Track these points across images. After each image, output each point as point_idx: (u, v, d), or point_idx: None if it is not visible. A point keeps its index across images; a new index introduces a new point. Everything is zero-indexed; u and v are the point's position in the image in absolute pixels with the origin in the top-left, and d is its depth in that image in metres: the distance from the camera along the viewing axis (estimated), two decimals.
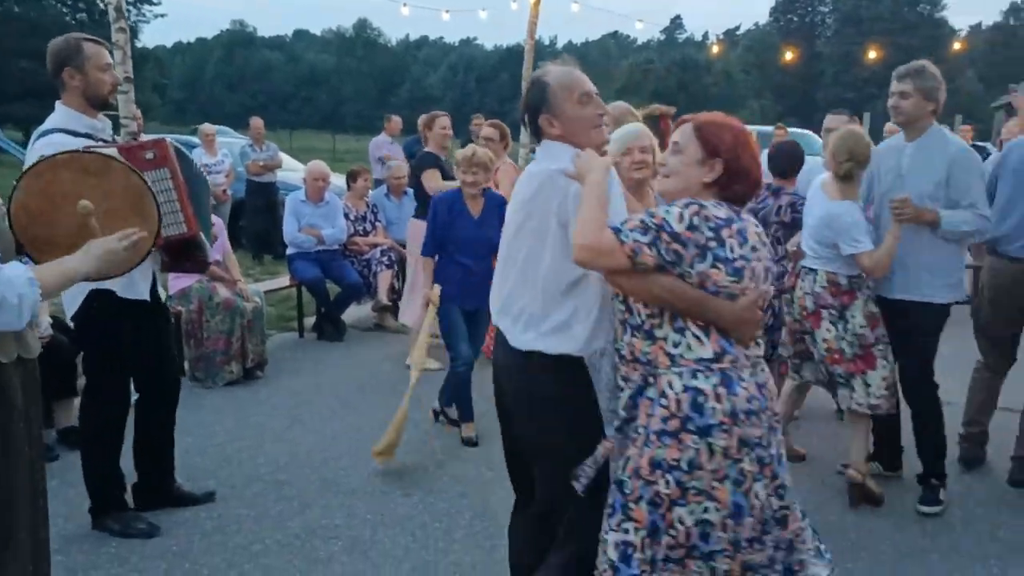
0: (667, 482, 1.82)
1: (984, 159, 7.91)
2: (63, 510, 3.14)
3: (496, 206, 3.89)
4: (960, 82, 46.32)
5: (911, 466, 3.58)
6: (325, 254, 5.85)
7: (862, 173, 3.34)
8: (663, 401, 1.83)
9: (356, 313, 6.38)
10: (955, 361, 4.96)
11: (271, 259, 8.80)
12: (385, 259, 5.97)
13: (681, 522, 1.83)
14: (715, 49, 38.12)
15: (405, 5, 13.17)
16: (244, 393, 4.70)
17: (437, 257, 4.03)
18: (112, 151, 2.54)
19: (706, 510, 1.82)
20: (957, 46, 29.90)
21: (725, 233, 1.82)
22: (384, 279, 5.89)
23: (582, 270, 1.93)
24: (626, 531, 1.88)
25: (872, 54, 27.19)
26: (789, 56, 29.96)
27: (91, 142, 2.73)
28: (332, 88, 60.42)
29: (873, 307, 3.35)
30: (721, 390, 1.81)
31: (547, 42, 69.21)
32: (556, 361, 2.01)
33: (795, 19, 56.55)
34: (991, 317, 3.75)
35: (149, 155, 2.76)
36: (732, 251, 1.82)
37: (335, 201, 6.01)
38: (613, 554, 1.89)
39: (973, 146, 9.48)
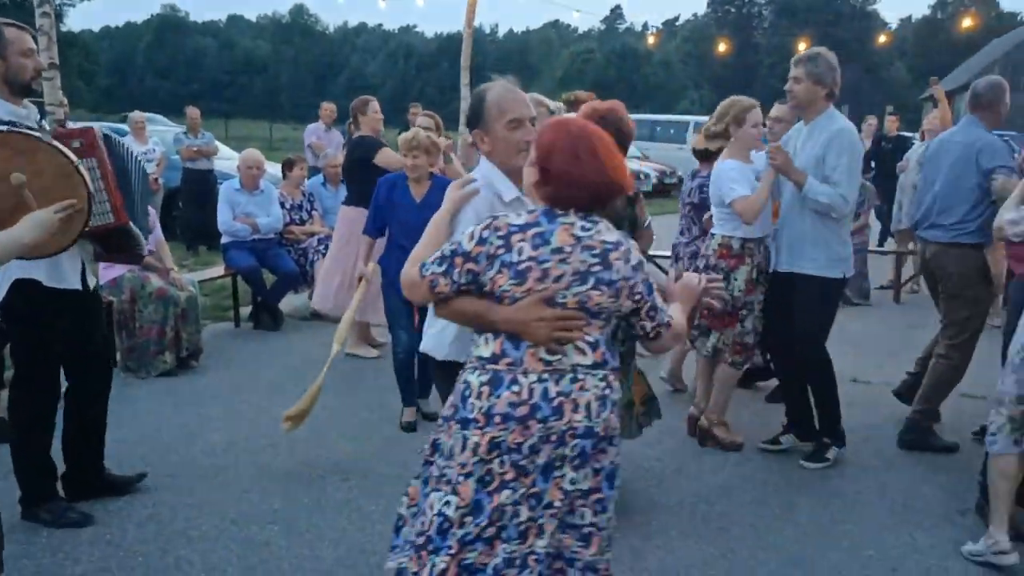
0: (436, 465, 1.92)
1: (908, 149, 8.37)
2: None
3: (442, 191, 3.93)
4: (891, 73, 48.23)
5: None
6: (261, 243, 5.82)
7: (734, 133, 3.65)
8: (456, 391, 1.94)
9: (293, 302, 6.36)
10: (876, 343, 5.29)
11: (206, 250, 8.66)
12: (322, 248, 5.96)
13: (431, 508, 1.88)
14: (651, 40, 38.75)
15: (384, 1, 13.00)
16: (179, 383, 4.67)
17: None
18: (37, 133, 2.52)
19: (447, 503, 1.85)
20: (883, 39, 31.14)
21: (516, 238, 1.82)
22: (321, 268, 5.89)
23: None
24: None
25: (802, 46, 28.03)
26: (722, 48, 30.75)
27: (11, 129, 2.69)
28: (268, 76, 59.09)
29: (756, 274, 3.63)
30: (485, 388, 1.84)
31: (488, 30, 69.09)
32: (439, 364, 2.18)
33: (732, 10, 57.75)
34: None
35: (76, 144, 2.74)
36: (520, 254, 1.81)
37: (270, 190, 5.98)
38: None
39: (899, 136, 9.98)
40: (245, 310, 6.05)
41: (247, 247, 5.77)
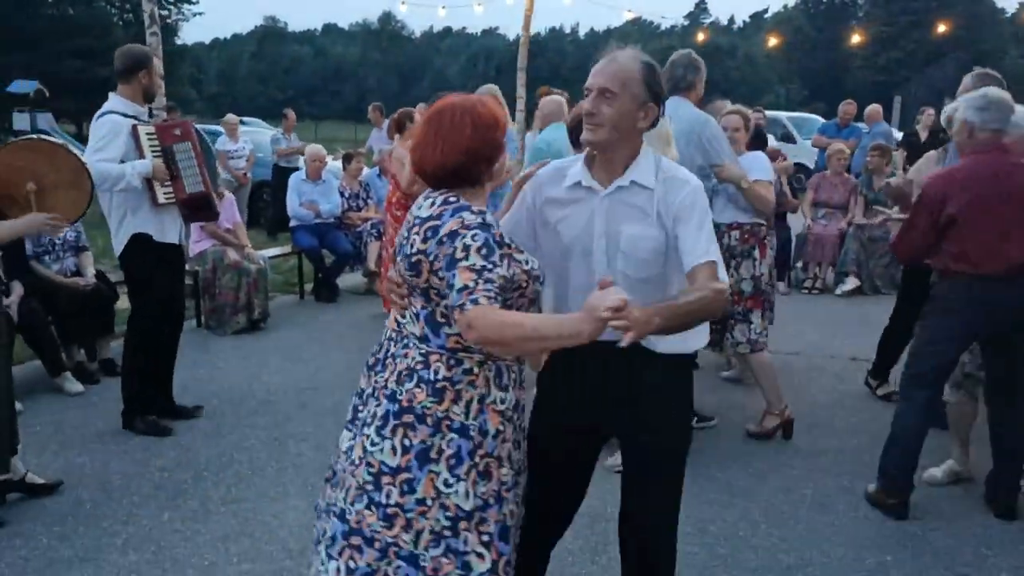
0: None
1: None
2: (102, 417, 4.06)
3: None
4: (1004, 63, 45.39)
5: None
6: (323, 226, 6.72)
7: None
8: None
9: (351, 280, 7.26)
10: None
11: (285, 236, 9.70)
12: (375, 231, 6.79)
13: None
14: (700, 36, 37.58)
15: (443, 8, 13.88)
16: (249, 339, 5.58)
17: None
18: (58, 141, 3.40)
19: None
20: (942, 28, 28.50)
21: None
22: (373, 249, 6.73)
23: None
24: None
25: (856, 39, 26.81)
26: (856, 39, 28.99)
27: (136, 122, 3.69)
28: (358, 80, 61.64)
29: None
30: None
31: (568, 30, 69.65)
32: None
33: (823, 1, 55.86)
34: None
35: (177, 131, 3.78)
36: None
37: (331, 179, 6.89)
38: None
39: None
40: (309, 286, 6.98)
41: (311, 230, 6.67)
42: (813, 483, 3.51)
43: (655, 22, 65.15)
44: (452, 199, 1.77)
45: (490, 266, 1.67)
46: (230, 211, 5.86)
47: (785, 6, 59.27)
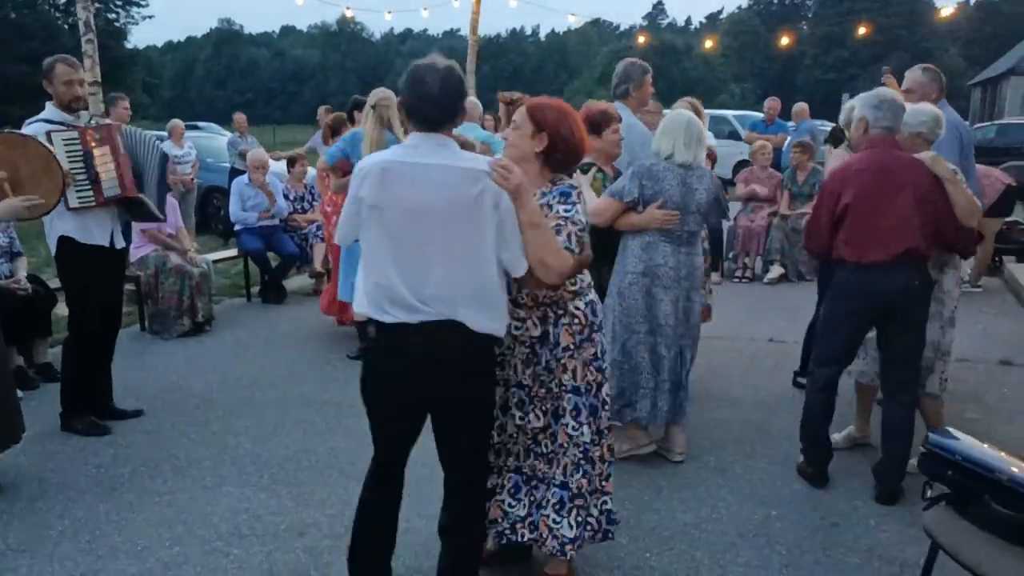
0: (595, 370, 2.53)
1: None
2: (40, 421, 4.11)
3: None
4: (944, 60, 46.98)
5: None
6: (267, 229, 6.82)
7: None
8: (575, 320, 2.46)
9: (298, 281, 7.38)
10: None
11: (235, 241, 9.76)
12: (320, 233, 6.92)
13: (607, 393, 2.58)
14: (641, 40, 38.32)
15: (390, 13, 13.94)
16: (192, 342, 5.68)
17: None
18: (26, 132, 3.56)
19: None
20: (862, 31, 29.05)
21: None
22: (319, 250, 6.86)
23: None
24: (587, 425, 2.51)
25: (785, 40, 27.95)
26: (785, 41, 30.03)
27: (54, 127, 3.73)
28: (317, 83, 61.17)
29: None
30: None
31: (529, 32, 70.06)
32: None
33: (775, 1, 57.15)
34: None
35: (97, 136, 3.81)
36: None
37: (275, 183, 6.98)
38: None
39: None
40: (256, 288, 7.07)
41: (256, 232, 6.78)
42: (716, 452, 3.78)
43: (615, 23, 65.95)
44: None
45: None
46: (172, 216, 5.93)
47: (739, 7, 60.49)
